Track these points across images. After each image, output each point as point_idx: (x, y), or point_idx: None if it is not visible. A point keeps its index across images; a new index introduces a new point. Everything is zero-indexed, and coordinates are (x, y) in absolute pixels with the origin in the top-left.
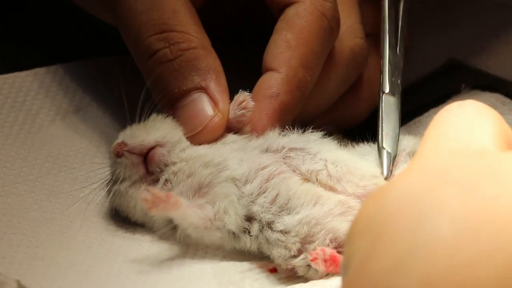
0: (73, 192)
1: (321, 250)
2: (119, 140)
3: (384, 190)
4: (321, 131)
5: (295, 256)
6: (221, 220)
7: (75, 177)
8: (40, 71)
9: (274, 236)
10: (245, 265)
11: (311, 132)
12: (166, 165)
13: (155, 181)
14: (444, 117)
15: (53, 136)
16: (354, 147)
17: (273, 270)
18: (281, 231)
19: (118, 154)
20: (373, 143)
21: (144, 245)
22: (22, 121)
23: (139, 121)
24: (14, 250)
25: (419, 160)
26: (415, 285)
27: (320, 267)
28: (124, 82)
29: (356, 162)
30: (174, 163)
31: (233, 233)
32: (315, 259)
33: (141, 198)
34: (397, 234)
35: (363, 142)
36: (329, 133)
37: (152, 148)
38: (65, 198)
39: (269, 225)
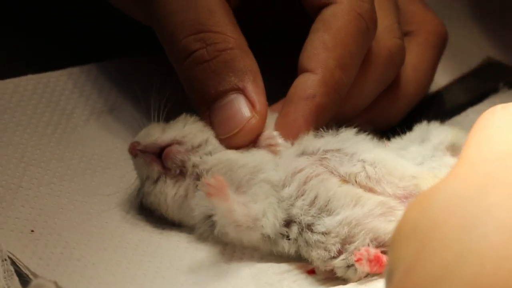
0: (110, 193)
1: (366, 250)
2: (134, 140)
3: (429, 195)
4: (356, 132)
5: (334, 257)
6: (259, 222)
7: (110, 178)
8: (74, 70)
9: (314, 237)
10: (283, 266)
11: (346, 129)
12: (183, 162)
13: (180, 176)
14: (487, 120)
15: (87, 136)
16: (388, 142)
17: (311, 272)
18: (321, 233)
19: (132, 153)
20: (405, 134)
21: (181, 246)
22: (56, 121)
23: (159, 120)
24: (50, 251)
25: (463, 165)
26: None
27: (365, 267)
28: (158, 81)
29: (394, 162)
30: (195, 165)
31: (269, 237)
32: (359, 259)
33: (203, 182)
34: (443, 242)
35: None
36: (365, 133)
37: (167, 145)
38: (101, 198)
39: (309, 227)
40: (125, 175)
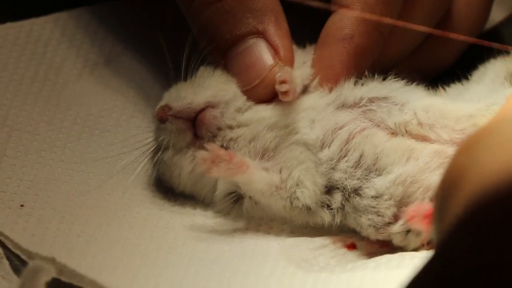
0: (110, 160)
1: (417, 206)
2: (162, 103)
3: (478, 136)
4: (403, 79)
5: (389, 224)
6: (291, 192)
7: (110, 142)
8: (61, 15)
9: (364, 202)
10: (317, 241)
11: (393, 79)
12: (219, 129)
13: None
14: None
15: (81, 93)
16: (442, 90)
17: (351, 247)
18: (371, 197)
19: (162, 119)
20: (467, 80)
21: (196, 220)
22: (43, 77)
23: (185, 78)
24: (45, 226)
25: None
26: None
27: (420, 225)
28: (165, 26)
29: (449, 104)
30: (230, 128)
31: (308, 208)
32: (412, 217)
33: (197, 157)
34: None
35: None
36: (412, 81)
37: (202, 110)
38: (100, 167)
39: (356, 191)
40: (127, 138)
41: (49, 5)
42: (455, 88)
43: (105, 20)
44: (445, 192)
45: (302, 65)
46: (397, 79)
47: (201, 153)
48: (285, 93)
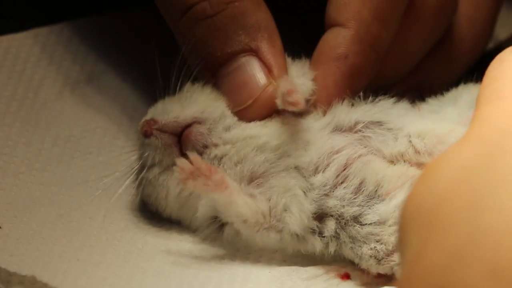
0: (91, 183)
1: None
2: (147, 117)
3: (434, 166)
4: (394, 97)
5: (392, 252)
6: (279, 219)
7: (92, 164)
8: (41, 31)
9: (364, 230)
10: (310, 270)
11: (383, 99)
12: (205, 147)
13: None
14: (496, 70)
15: (61, 113)
16: (420, 105)
17: (345, 277)
18: (373, 223)
19: (146, 133)
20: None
21: (183, 246)
22: (22, 95)
23: (173, 93)
24: (24, 247)
25: (473, 128)
26: (478, 276)
27: None
28: (150, 42)
29: (443, 126)
30: (216, 145)
31: (297, 235)
32: None
33: (177, 165)
34: (451, 221)
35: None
36: (410, 100)
37: (188, 125)
38: (82, 190)
39: (356, 219)
40: (109, 161)
41: (28, 20)
42: (431, 104)
43: (87, 36)
44: (405, 223)
45: (302, 76)
46: (387, 98)
47: (181, 162)
48: (293, 103)
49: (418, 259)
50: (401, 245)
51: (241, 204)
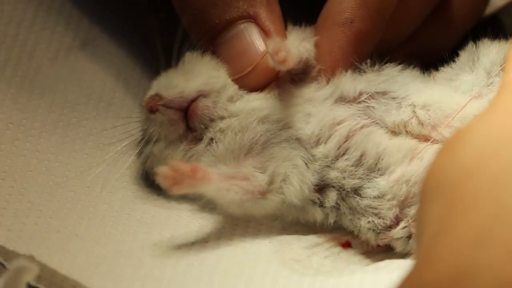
0: (89, 150)
1: None
2: (152, 92)
3: (460, 136)
4: (400, 64)
5: (390, 227)
6: (277, 190)
7: (88, 131)
8: None
9: (363, 203)
10: (311, 239)
11: (389, 66)
12: (211, 120)
13: (198, 140)
14: None
15: (56, 79)
16: (435, 73)
17: (346, 245)
18: (373, 197)
19: (152, 109)
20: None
21: (182, 215)
22: (16, 61)
23: (174, 62)
24: (21, 221)
25: (502, 96)
26: (503, 259)
27: None
28: (145, 6)
29: (450, 100)
30: (221, 118)
31: (295, 206)
32: None
33: (159, 174)
34: (478, 195)
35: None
36: (409, 66)
37: (194, 99)
38: (79, 157)
39: (356, 191)
40: (106, 128)
41: None
42: (445, 73)
43: (81, 0)
44: (426, 196)
45: (301, 40)
46: (395, 69)
47: (163, 170)
48: (282, 61)
49: (440, 236)
50: (421, 217)
51: (230, 190)
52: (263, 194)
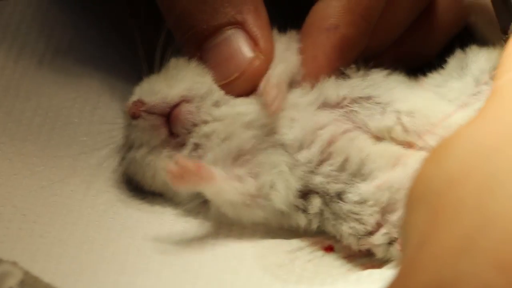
0: (73, 154)
1: None
2: (134, 98)
3: (446, 145)
4: (385, 69)
5: (371, 233)
6: (266, 196)
7: (73, 135)
8: None
9: (345, 208)
10: (294, 243)
11: (374, 71)
12: (195, 125)
13: (180, 145)
14: None
15: (41, 83)
16: (424, 79)
17: (329, 249)
18: (354, 202)
19: (134, 115)
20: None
21: (166, 220)
22: (2, 65)
23: (157, 70)
24: (5, 226)
25: (491, 104)
26: (487, 268)
27: None
28: (136, 13)
29: (436, 108)
30: (205, 122)
31: (281, 211)
32: None
33: (165, 169)
34: (462, 205)
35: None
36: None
37: (176, 105)
38: (63, 161)
39: (339, 196)
40: (90, 131)
41: None
42: (433, 79)
43: (67, 4)
44: (411, 204)
45: (285, 52)
46: (380, 74)
47: (169, 166)
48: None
49: (425, 244)
50: (405, 225)
51: (230, 191)
52: (253, 198)
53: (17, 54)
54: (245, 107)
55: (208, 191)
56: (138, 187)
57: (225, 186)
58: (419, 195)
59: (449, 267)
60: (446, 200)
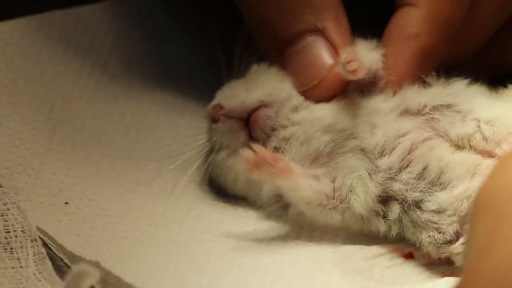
0: (158, 156)
1: None
2: (215, 102)
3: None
4: (467, 79)
5: (451, 241)
6: (343, 199)
7: (159, 138)
8: (110, 4)
9: (424, 217)
10: (374, 249)
11: (456, 79)
12: (273, 129)
13: None
14: None
15: (129, 86)
16: (505, 90)
17: (409, 256)
18: (433, 211)
19: (214, 118)
20: None
21: (248, 222)
22: (90, 68)
23: (238, 75)
24: (89, 226)
25: None
26: None
27: None
28: (216, 19)
29: None
30: (284, 127)
31: (361, 216)
32: None
33: (242, 156)
34: None
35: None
36: (477, 81)
37: (255, 109)
38: (149, 164)
39: (417, 204)
40: (178, 135)
41: None
42: None
43: (153, 8)
44: (476, 213)
45: (369, 51)
46: (461, 83)
47: (246, 153)
48: (354, 71)
49: (486, 254)
50: (470, 235)
51: (305, 188)
52: (329, 200)
53: (106, 58)
54: (324, 112)
55: (284, 185)
56: (221, 190)
57: (301, 181)
58: (483, 206)
59: (508, 279)
60: (509, 212)
